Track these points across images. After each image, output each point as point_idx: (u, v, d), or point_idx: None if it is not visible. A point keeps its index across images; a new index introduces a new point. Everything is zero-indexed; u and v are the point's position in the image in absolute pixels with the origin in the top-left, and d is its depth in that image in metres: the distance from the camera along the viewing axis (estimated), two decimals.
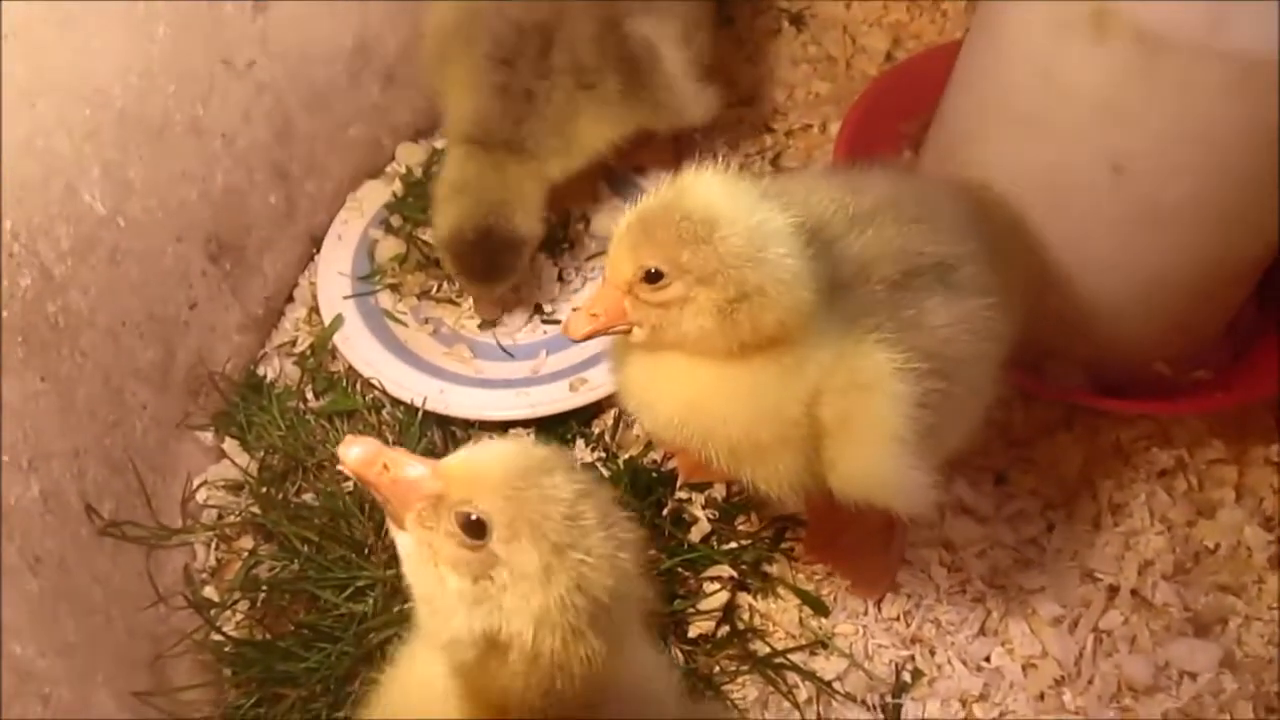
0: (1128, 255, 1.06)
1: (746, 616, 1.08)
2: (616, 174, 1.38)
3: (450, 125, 1.24)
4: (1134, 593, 1.08)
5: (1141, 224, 1.03)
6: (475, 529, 0.60)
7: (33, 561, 0.91)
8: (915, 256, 0.87)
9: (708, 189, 0.79)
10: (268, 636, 1.06)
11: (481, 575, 0.60)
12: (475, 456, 0.63)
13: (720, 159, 1.36)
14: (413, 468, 0.63)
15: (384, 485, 0.63)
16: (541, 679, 0.61)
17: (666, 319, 0.80)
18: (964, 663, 1.05)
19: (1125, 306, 1.10)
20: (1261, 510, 1.13)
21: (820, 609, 1.08)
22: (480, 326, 1.30)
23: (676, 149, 1.41)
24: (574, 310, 0.89)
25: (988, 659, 1.06)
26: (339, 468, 1.12)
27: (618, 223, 0.82)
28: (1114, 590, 1.08)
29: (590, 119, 1.22)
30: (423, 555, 0.62)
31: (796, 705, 1.03)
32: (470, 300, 1.31)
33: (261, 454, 1.18)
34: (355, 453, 0.63)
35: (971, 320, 0.87)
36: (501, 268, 1.21)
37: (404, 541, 0.64)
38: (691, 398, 0.84)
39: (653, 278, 0.79)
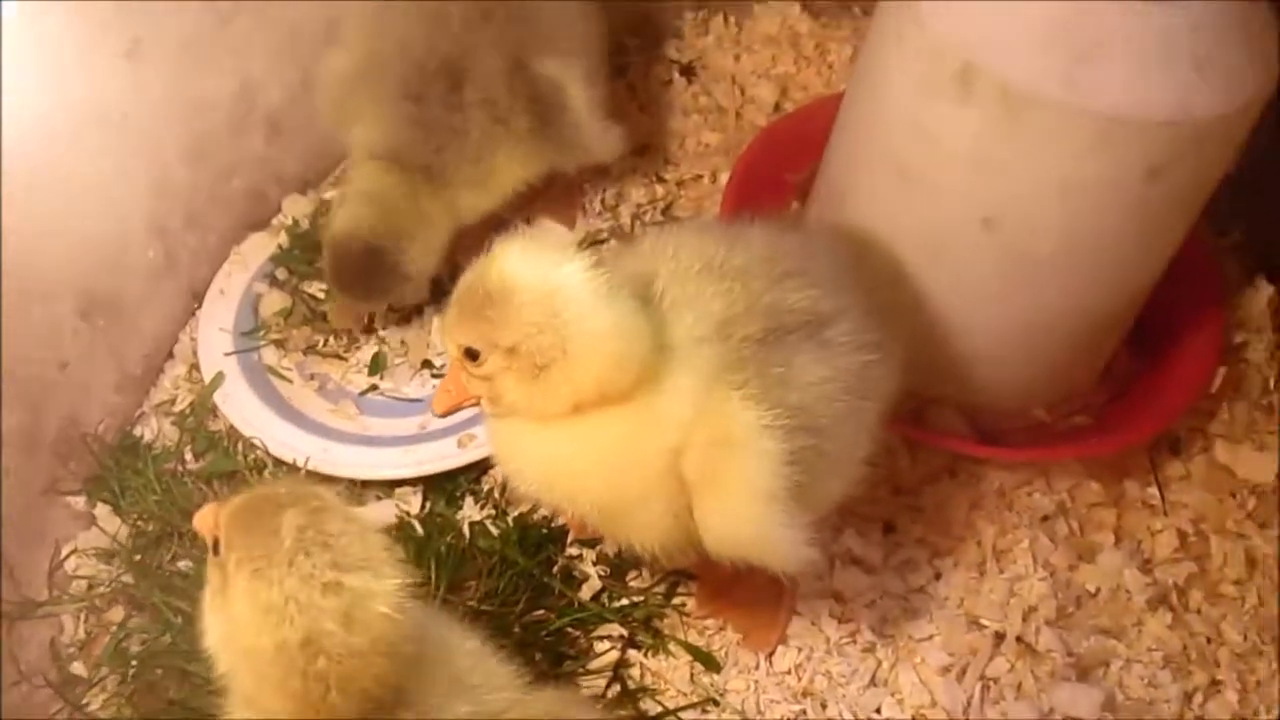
0: (1002, 305, 1.08)
1: (637, 675, 1.07)
2: (507, 226, 1.37)
3: (361, 149, 1.22)
4: (1019, 639, 1.09)
5: (1014, 275, 1.05)
6: (215, 546, 0.71)
7: None
8: (784, 313, 0.87)
9: (507, 262, 0.80)
10: (138, 715, 1.01)
11: (220, 586, 0.70)
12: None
13: (611, 211, 1.40)
14: (206, 513, 0.74)
15: (202, 530, 0.74)
16: (284, 675, 0.67)
17: (492, 391, 0.83)
18: (855, 715, 1.05)
19: (1002, 355, 1.13)
20: (1140, 552, 1.15)
21: (712, 665, 1.07)
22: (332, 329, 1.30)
23: (568, 200, 1.41)
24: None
25: (878, 710, 1.06)
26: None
27: None
28: (1000, 637, 1.09)
29: (505, 156, 1.22)
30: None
31: None
32: (355, 355, 1.29)
33: (135, 519, 1.14)
34: (200, 517, 0.74)
35: (845, 377, 0.87)
36: (373, 290, 1.22)
37: None
38: (554, 460, 0.85)
39: (471, 354, 0.82)
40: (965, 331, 1.10)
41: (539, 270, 0.79)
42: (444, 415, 0.88)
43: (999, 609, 1.11)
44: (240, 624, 0.67)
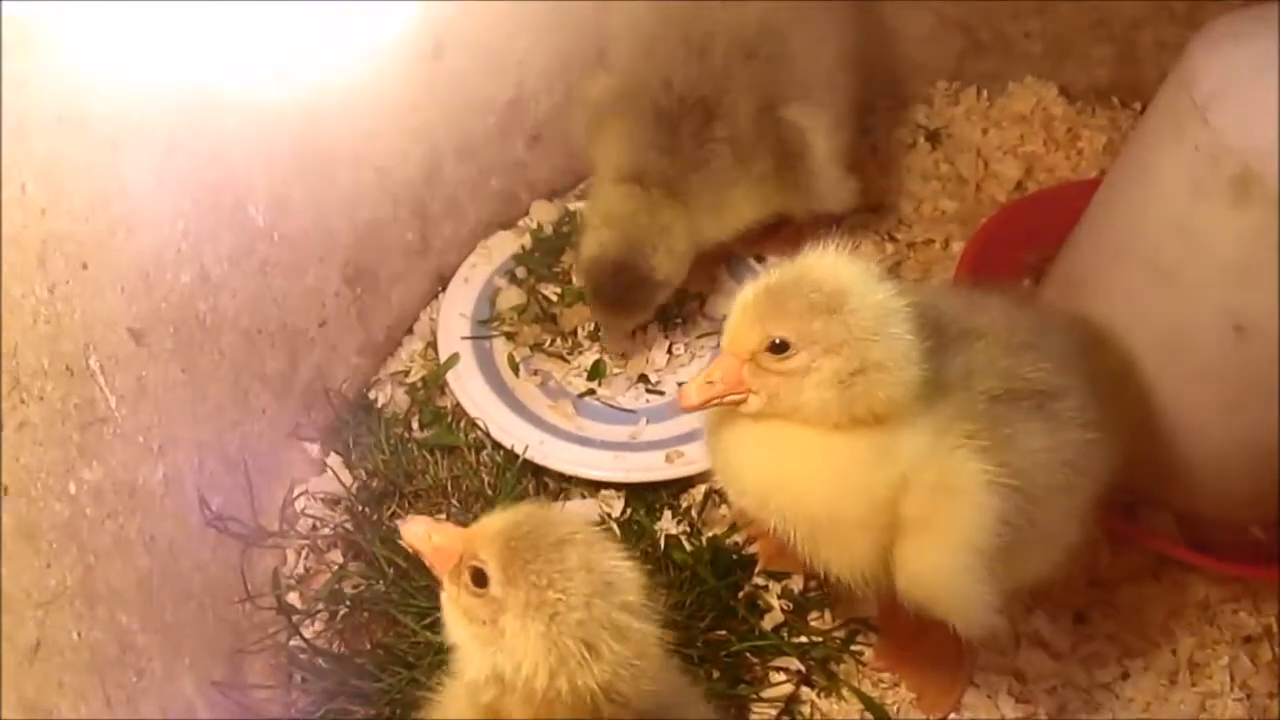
0: (1237, 415, 1.06)
1: (807, 712, 1.08)
2: (736, 259, 1.42)
3: (605, 171, 1.29)
4: None
5: (1256, 387, 1.03)
6: (479, 578, 0.71)
7: (148, 540, 0.96)
8: (1018, 380, 0.89)
9: (836, 265, 0.83)
10: (345, 650, 1.09)
11: (489, 619, 0.70)
12: (488, 520, 0.74)
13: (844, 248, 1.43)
14: (449, 535, 0.75)
15: (428, 552, 0.75)
16: (546, 711, 0.68)
17: (787, 388, 0.83)
18: None
19: (1228, 466, 1.10)
20: None
21: (882, 717, 1.08)
22: (604, 361, 1.35)
23: (797, 242, 1.44)
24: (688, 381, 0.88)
25: None
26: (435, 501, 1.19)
27: (740, 294, 0.86)
28: None
29: (743, 192, 1.28)
30: (451, 607, 0.73)
31: None
32: (578, 359, 1.36)
33: (363, 474, 1.23)
34: (413, 529, 0.76)
35: (1067, 451, 0.88)
36: (631, 303, 1.26)
37: (444, 598, 0.75)
38: (781, 468, 0.87)
39: (778, 348, 0.82)
40: (1193, 436, 1.09)
41: (869, 281, 0.82)
42: (695, 409, 0.87)
43: None
44: (516, 654, 0.68)
